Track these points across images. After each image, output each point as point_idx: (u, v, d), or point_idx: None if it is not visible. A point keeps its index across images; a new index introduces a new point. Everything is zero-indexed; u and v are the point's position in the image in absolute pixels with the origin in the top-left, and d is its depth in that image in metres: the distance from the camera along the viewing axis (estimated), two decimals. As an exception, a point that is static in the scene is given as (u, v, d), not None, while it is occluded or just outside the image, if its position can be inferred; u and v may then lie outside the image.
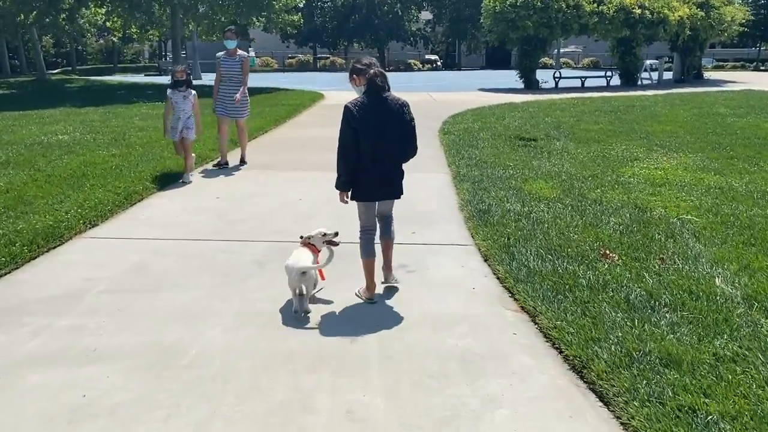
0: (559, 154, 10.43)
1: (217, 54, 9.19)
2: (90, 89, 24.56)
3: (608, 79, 28.41)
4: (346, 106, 4.07)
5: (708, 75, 34.87)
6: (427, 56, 59.99)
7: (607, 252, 4.96)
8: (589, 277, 4.42)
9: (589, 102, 19.37)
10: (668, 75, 31.75)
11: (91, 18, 25.85)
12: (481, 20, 27.94)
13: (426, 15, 63.09)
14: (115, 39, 32.46)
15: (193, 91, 8.34)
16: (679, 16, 27.50)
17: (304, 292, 4.12)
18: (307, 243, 4.39)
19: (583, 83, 27.65)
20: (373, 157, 4.07)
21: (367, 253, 4.33)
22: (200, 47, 45.67)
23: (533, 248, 5.13)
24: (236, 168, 9.34)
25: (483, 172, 8.52)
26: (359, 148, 4.04)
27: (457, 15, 58.69)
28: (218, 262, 5.13)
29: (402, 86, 24.68)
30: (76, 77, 38.13)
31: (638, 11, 26.26)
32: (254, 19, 26.32)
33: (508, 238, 5.39)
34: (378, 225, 4.47)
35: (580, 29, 26.10)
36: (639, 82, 29.10)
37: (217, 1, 22.52)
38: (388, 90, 4.15)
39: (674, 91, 24.42)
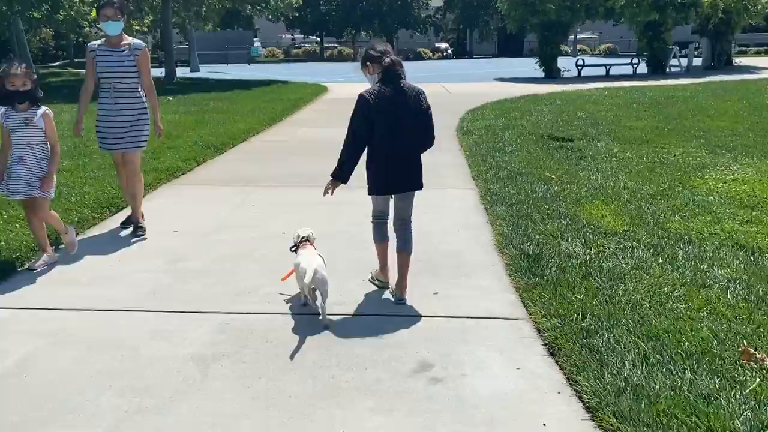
0: (605, 159, 8.59)
1: (89, 45, 5.49)
2: (76, 84, 22.79)
3: (635, 66, 26.39)
4: (361, 95, 3.86)
5: (737, 61, 32.66)
6: (436, 44, 57.86)
7: (749, 349, 3.14)
8: (743, 412, 2.62)
9: (622, 93, 17.44)
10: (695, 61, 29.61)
11: (80, 8, 24.07)
12: (497, 4, 25.96)
13: (436, 2, 60.90)
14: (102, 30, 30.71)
15: (44, 110, 4.67)
16: (712, -3, 25.42)
17: (319, 298, 3.71)
18: (310, 241, 4.09)
19: (607, 71, 25.68)
20: (390, 149, 3.89)
21: (380, 236, 4.17)
22: (200, 36, 43.95)
23: (626, 336, 3.32)
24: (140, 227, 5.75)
25: (519, 189, 6.70)
26: (373, 139, 3.88)
27: (470, 1, 56.49)
28: (140, 360, 3.35)
29: (412, 76, 22.48)
30: (72, 70, 36.46)
31: (669, -8, 24.18)
32: (252, 6, 24.40)
33: (583, 315, 3.58)
34: (395, 232, 4.15)
35: (605, 12, 24.10)
36: (668, 70, 27.03)
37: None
38: (404, 78, 3.94)
39: (709, 79, 22.38)
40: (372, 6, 54.07)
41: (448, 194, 6.92)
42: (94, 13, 24.31)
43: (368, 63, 3.96)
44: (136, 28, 25.14)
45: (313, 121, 13.08)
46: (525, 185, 6.89)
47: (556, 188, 6.75)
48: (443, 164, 8.61)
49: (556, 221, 5.51)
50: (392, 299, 4.06)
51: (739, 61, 33.06)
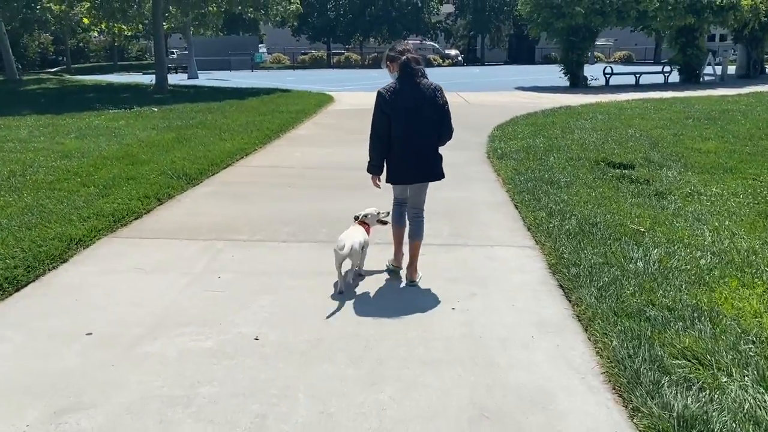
0: (690, 197, 6.58)
1: None
2: (57, 92, 20.79)
3: (666, 75, 24.33)
4: (378, 92, 4.09)
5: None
6: (446, 51, 55.77)
7: None
8: None
9: (666, 106, 15.36)
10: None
11: (54, 8, 22.10)
12: (518, 7, 23.95)
13: (447, 8, 58.92)
14: (94, 32, 28.75)
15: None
16: (752, 0, 23.33)
17: (350, 266, 4.23)
18: (362, 222, 4.41)
19: (637, 80, 23.61)
20: (405, 141, 4.11)
21: (398, 221, 4.43)
22: (203, 42, 42.09)
23: None
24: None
25: (606, 254, 4.64)
26: (392, 132, 4.09)
27: (482, 6, 54.50)
28: None
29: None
30: (68, 77, 34.66)
31: (707, -5, 22.11)
32: (250, 10, 22.42)
33: None
34: (408, 220, 4.42)
35: (638, 17, 21.99)
36: (701, 79, 24.93)
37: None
38: (423, 75, 4.12)
39: (752, 89, 20.29)
40: (381, 11, 52.06)
41: (498, 258, 4.87)
42: (86, 20, 22.42)
43: (389, 62, 4.19)
44: (128, 33, 23.21)
45: (314, 139, 11.06)
46: (611, 245, 4.84)
47: (656, 252, 4.70)
48: (481, 202, 6.60)
49: (691, 326, 3.46)
50: (404, 282, 4.30)
51: (770, 69, 30.91)
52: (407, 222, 4.41)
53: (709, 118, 12.89)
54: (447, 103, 4.15)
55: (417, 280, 4.34)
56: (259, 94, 19.03)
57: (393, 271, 4.45)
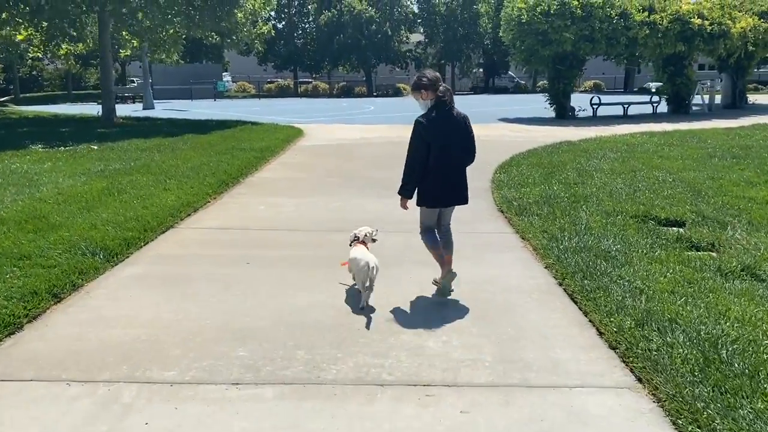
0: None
1: None
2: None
3: (655, 105, 23.13)
4: (418, 121, 4.30)
5: (752, 100, 29.65)
6: (416, 80, 54.51)
7: None
8: None
9: (676, 141, 13.83)
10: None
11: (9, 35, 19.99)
12: (500, 34, 22.51)
13: (416, 37, 57.92)
14: (36, 52, 26.57)
15: None
16: (741, 27, 22.34)
17: (368, 284, 4.25)
18: (363, 241, 4.54)
19: (625, 111, 22.32)
20: (440, 168, 4.34)
21: (433, 242, 4.63)
22: (163, 70, 39.92)
23: None
24: None
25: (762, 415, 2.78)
26: (428, 158, 4.30)
27: (452, 35, 53.55)
28: None
29: (396, 117, 18.67)
30: (12, 107, 32.14)
31: (697, 22, 20.97)
32: (212, 34, 20.57)
33: None
34: (439, 236, 4.66)
35: (627, 44, 20.72)
36: (690, 109, 23.79)
37: (158, 5, 16.49)
38: (453, 105, 4.39)
39: (749, 120, 19.13)
40: (350, 39, 50.61)
41: (588, 417, 2.97)
42: (21, 36, 20.22)
43: (423, 90, 4.32)
44: (69, 52, 21.07)
45: (283, 186, 9.09)
46: (758, 388, 2.97)
47: None
48: (518, 289, 4.74)
49: None
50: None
51: (753, 99, 30.11)
52: (439, 238, 4.64)
53: (733, 156, 11.34)
54: (473, 130, 4.52)
55: (451, 288, 4.56)
56: (221, 127, 17.02)
57: (442, 290, 4.60)
